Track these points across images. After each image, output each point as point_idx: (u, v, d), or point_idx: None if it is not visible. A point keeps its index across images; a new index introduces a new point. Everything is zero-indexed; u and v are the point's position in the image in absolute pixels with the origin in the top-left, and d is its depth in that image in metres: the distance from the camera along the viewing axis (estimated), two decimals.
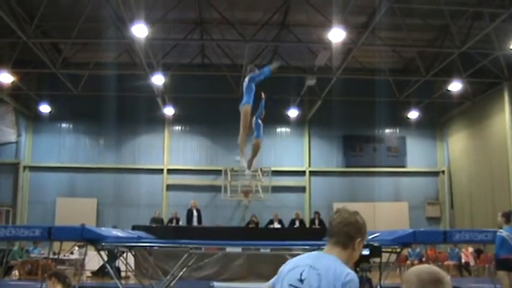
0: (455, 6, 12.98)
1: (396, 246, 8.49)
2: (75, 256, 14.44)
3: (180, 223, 16.14)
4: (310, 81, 16.68)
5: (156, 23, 13.85)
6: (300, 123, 20.00)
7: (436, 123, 20.49)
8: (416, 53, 16.08)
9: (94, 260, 12.34)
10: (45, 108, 19.13)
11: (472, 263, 15.83)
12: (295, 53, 16.98)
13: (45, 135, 19.59)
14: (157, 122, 19.71)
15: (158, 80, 16.45)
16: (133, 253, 10.33)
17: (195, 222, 15.89)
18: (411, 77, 17.34)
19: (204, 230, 14.19)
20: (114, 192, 19.18)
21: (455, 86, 16.86)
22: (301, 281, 2.45)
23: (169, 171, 19.57)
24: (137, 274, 11.29)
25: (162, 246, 9.79)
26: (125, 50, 16.84)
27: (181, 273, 9.42)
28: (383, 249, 7.66)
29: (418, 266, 2.28)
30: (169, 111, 19.25)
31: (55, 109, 19.26)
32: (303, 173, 19.85)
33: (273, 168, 18.55)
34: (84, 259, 10.17)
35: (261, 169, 17.30)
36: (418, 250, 15.49)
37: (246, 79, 8.90)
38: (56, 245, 9.51)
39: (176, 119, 19.76)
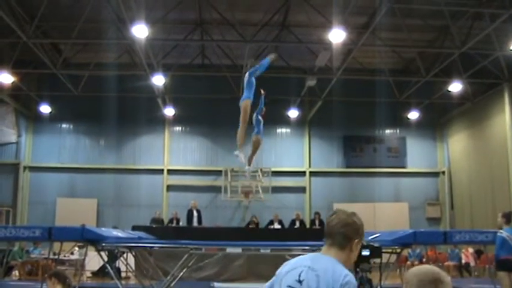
0: (456, 6, 12.95)
1: (396, 247, 8.48)
2: (75, 256, 14.43)
3: (181, 223, 16.13)
4: (311, 82, 16.68)
5: (157, 24, 13.85)
6: (300, 123, 19.99)
7: (436, 124, 20.49)
8: (417, 54, 16.07)
9: (94, 260, 12.33)
10: (45, 109, 19.13)
11: (472, 263, 15.82)
12: (295, 53, 16.98)
13: (46, 136, 19.59)
14: (158, 123, 19.70)
15: (158, 80, 16.45)
16: (133, 253, 10.33)
17: (195, 223, 15.89)
18: (411, 78, 17.33)
19: (204, 230, 14.24)
20: (115, 193, 19.17)
21: (456, 87, 16.87)
22: (300, 282, 2.44)
23: (170, 171, 19.57)
24: (137, 274, 11.27)
25: (162, 247, 9.80)
26: (125, 50, 16.84)
27: (181, 273, 9.40)
28: (383, 250, 7.63)
29: (418, 266, 2.28)
30: (169, 111, 19.26)
31: (55, 109, 19.26)
32: (303, 173, 19.84)
33: (273, 169, 18.55)
34: (84, 259, 10.13)
35: (261, 169, 17.33)
36: (418, 251, 15.50)
37: (247, 74, 8.84)
38: (56, 245, 9.53)
39: (176, 120, 19.76)
